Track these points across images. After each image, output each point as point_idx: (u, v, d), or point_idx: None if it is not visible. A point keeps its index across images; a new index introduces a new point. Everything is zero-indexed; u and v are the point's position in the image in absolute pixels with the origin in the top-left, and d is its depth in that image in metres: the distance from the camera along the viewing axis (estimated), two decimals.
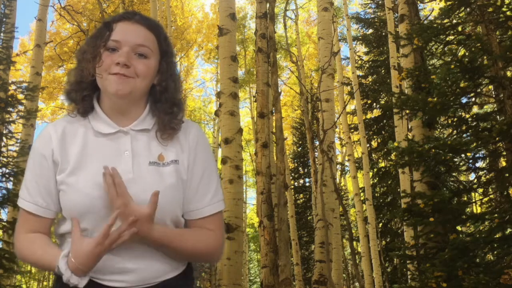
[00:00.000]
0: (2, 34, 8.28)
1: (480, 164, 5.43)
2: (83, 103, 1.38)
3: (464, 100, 5.23)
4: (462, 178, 10.37)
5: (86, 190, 1.29)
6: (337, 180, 14.19)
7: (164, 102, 1.39)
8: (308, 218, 18.53)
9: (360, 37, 15.78)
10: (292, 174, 19.54)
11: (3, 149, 7.05)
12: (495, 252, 4.70)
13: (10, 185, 6.60)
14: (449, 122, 5.34)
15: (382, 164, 14.46)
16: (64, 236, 1.37)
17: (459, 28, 5.53)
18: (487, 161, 5.70)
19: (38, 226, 1.36)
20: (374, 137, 14.79)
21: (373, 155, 14.56)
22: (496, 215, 4.53)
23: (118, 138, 1.36)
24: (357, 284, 18.08)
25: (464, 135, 5.09)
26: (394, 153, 5.57)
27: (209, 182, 1.40)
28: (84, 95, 1.37)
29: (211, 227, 1.39)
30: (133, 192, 1.29)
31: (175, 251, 1.32)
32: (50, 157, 1.34)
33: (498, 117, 5.23)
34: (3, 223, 6.64)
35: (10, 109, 6.78)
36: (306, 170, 20.28)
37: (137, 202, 1.28)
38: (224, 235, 1.44)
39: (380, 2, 15.33)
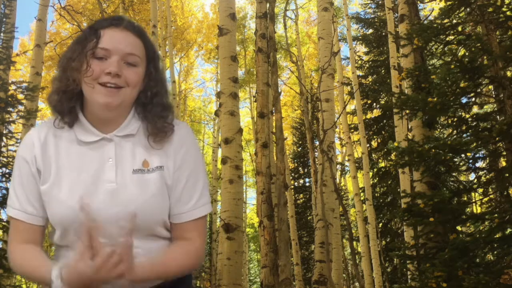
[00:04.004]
0: (2, 34, 8.28)
1: (480, 164, 5.44)
2: (70, 115, 1.33)
3: (464, 100, 5.23)
4: (462, 178, 10.37)
5: (69, 202, 1.26)
6: (337, 180, 14.19)
7: (156, 106, 1.36)
8: (308, 218, 18.53)
9: (360, 37, 15.77)
10: (292, 174, 19.53)
11: (3, 149, 7.05)
12: (495, 252, 4.70)
13: (10, 185, 6.60)
14: (449, 122, 5.34)
15: (382, 164, 14.45)
16: (58, 246, 1.35)
17: (459, 28, 5.52)
18: (487, 161, 5.70)
19: (30, 235, 1.32)
20: (374, 137, 14.79)
21: (373, 155, 14.55)
22: (496, 215, 4.53)
23: (101, 146, 1.32)
24: (357, 284, 18.08)
25: (464, 135, 5.09)
26: (394, 153, 5.57)
27: (193, 187, 1.37)
28: (71, 107, 1.32)
29: (192, 233, 1.36)
30: (117, 203, 1.27)
31: (160, 280, 1.30)
32: (34, 163, 1.31)
33: (498, 117, 5.23)
34: (3, 223, 6.64)
35: (10, 109, 6.77)
36: (306, 170, 20.26)
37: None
38: (205, 242, 1.42)
39: (380, 2, 15.33)
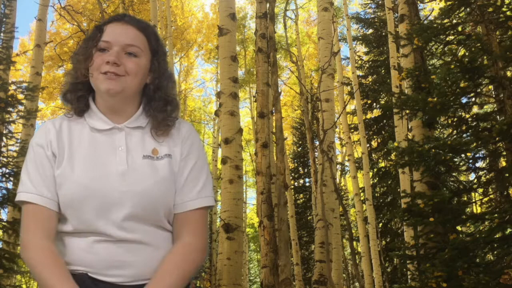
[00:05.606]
0: (2, 34, 8.27)
1: (480, 164, 5.43)
2: (78, 103, 1.42)
3: (464, 100, 5.23)
4: (462, 178, 10.36)
5: (82, 182, 1.31)
6: (337, 180, 14.19)
7: (158, 100, 1.43)
8: (308, 218, 18.52)
9: (360, 37, 15.78)
10: (292, 174, 19.52)
11: (3, 149, 7.05)
12: (495, 252, 4.70)
13: (10, 185, 6.60)
14: (449, 122, 5.34)
15: (382, 164, 14.45)
16: (59, 234, 1.36)
17: (459, 28, 5.53)
18: (487, 161, 5.69)
19: (45, 223, 1.32)
20: (374, 137, 14.79)
21: (373, 155, 14.56)
22: (496, 215, 4.53)
23: (113, 134, 1.40)
24: (357, 284, 18.07)
25: (464, 135, 5.09)
26: (394, 153, 5.57)
27: (198, 176, 1.42)
28: (79, 96, 1.42)
29: (192, 226, 1.39)
30: (127, 183, 1.32)
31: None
32: (49, 147, 1.37)
33: (498, 117, 5.22)
34: (3, 223, 6.64)
35: (10, 109, 6.76)
36: (306, 170, 20.25)
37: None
38: (207, 234, 1.45)
39: (380, 2, 15.33)
